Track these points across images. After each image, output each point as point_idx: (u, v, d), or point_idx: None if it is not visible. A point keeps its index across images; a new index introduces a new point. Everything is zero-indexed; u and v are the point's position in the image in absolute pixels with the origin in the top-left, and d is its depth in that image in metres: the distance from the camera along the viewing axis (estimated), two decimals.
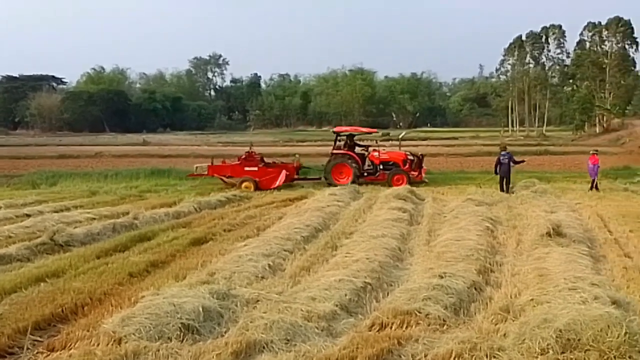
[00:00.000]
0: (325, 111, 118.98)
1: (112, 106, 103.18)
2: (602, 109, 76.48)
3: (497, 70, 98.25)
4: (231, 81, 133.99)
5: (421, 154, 28.64)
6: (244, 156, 27.44)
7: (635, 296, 9.48)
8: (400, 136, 33.53)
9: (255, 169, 26.18)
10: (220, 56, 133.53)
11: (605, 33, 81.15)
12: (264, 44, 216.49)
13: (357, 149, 27.99)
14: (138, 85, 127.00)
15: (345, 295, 9.36)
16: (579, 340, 6.94)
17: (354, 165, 26.72)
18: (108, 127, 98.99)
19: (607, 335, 6.91)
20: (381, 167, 27.00)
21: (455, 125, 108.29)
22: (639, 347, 6.88)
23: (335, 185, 24.74)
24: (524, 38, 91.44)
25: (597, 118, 78.25)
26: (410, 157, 27.24)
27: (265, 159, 27.66)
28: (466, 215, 16.62)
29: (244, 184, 25.30)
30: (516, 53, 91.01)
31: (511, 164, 23.79)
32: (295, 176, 27.60)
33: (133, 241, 13.98)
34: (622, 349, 6.79)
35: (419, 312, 8.51)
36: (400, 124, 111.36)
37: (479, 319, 8.69)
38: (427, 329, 8.10)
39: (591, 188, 24.32)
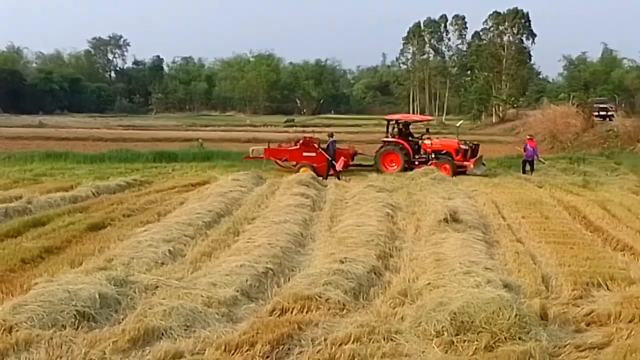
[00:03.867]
0: (229, 96, 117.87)
1: (6, 86, 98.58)
2: (499, 99, 79.13)
3: (397, 59, 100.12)
4: (133, 63, 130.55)
5: (475, 143, 28.12)
6: (301, 141, 26.70)
7: (525, 280, 9.89)
8: (457, 125, 32.64)
9: (314, 154, 25.41)
10: (121, 37, 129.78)
11: (505, 25, 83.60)
12: (167, 26, 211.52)
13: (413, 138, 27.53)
14: (34, 65, 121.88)
15: (247, 280, 9.35)
16: (472, 322, 7.19)
17: (403, 153, 26.35)
18: (1, 108, 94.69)
19: (498, 317, 7.18)
20: (433, 155, 26.41)
21: (359, 112, 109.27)
22: (528, 329, 7.19)
23: (384, 173, 24.82)
24: (422, 26, 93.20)
25: (493, 108, 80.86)
26: (464, 147, 26.49)
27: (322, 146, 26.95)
28: (367, 202, 16.88)
29: (302, 169, 24.58)
30: (415, 42, 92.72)
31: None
32: (350, 162, 27.03)
33: (26, 226, 13.43)
34: (512, 330, 7.08)
35: (320, 297, 8.60)
36: (305, 110, 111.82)
37: (378, 303, 8.87)
38: (327, 313, 8.21)
39: (530, 170, 26.96)
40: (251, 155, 27.42)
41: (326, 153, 24.75)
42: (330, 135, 26.21)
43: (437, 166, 25.32)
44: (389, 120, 28.74)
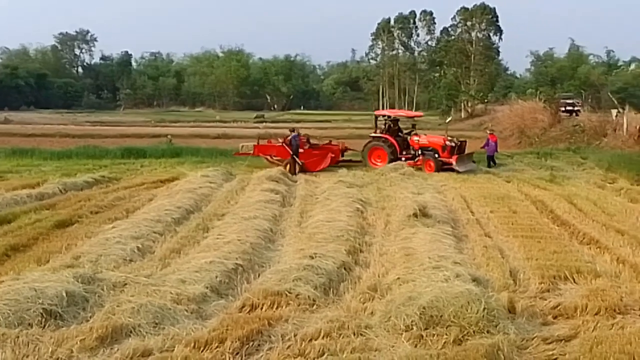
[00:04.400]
0: (199, 92, 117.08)
1: None
2: (467, 95, 79.70)
3: (366, 54, 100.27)
4: (100, 58, 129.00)
5: (462, 140, 27.57)
6: (290, 137, 26.28)
7: (494, 274, 9.99)
8: (447, 121, 31.92)
9: (301, 150, 25.21)
10: (88, 32, 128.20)
11: (473, 21, 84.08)
12: (135, 21, 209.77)
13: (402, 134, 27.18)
14: (0, 61, 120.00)
15: (216, 277, 9.32)
16: (441, 316, 7.26)
17: (390, 149, 26.08)
18: None
19: (467, 311, 7.26)
20: (419, 152, 26.06)
21: (329, 108, 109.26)
22: (496, 322, 7.29)
23: (371, 169, 24.70)
24: (392, 22, 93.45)
25: (462, 104, 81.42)
26: (450, 143, 25.80)
27: (312, 141, 26.93)
28: (337, 197, 16.91)
29: (288, 165, 24.45)
30: (385, 38, 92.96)
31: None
32: (340, 158, 26.86)
33: None
34: (480, 324, 7.16)
35: (290, 293, 8.61)
36: (275, 106, 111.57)
37: (348, 298, 8.89)
38: (297, 309, 8.21)
39: (493, 164, 27.46)
40: (241, 151, 27.20)
41: (289, 148, 24.68)
42: (292, 130, 26.06)
43: (423, 163, 25.36)
44: (376, 116, 28.66)
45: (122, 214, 14.71)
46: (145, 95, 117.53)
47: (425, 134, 27.57)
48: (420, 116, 31.34)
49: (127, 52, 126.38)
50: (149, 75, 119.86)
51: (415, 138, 26.57)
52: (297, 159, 24.55)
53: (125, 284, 8.83)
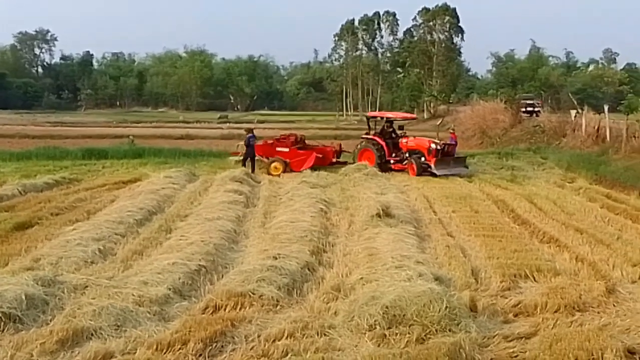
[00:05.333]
0: (161, 92, 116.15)
1: None
2: (430, 95, 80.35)
3: (329, 55, 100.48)
4: (61, 58, 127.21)
5: (448, 143, 26.53)
6: (281, 137, 26.25)
7: (456, 273, 10.10)
8: (437, 123, 29.76)
9: (287, 149, 24.90)
10: (48, 31, 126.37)
11: (434, 22, 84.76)
12: (96, 21, 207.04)
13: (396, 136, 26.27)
14: None
15: (179, 278, 9.28)
16: (403, 315, 7.31)
17: (377, 152, 25.31)
18: None
19: (429, 310, 7.33)
20: (407, 155, 25.28)
21: (293, 108, 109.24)
22: (458, 321, 7.36)
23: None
24: (356, 23, 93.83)
25: (425, 104, 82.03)
26: (434, 146, 24.66)
27: (307, 142, 26.49)
28: (301, 197, 16.93)
29: (272, 165, 24.22)
30: (349, 39, 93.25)
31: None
32: (334, 160, 25.98)
33: None
34: (442, 322, 7.24)
35: (253, 294, 8.60)
36: (238, 106, 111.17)
37: (312, 298, 8.92)
38: (260, 309, 8.22)
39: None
40: (237, 150, 26.65)
41: (246, 148, 24.49)
42: (248, 130, 25.82)
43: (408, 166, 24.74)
44: (368, 117, 28.10)
45: (83, 216, 14.53)
46: (107, 96, 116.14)
47: (414, 137, 26.68)
48: (414, 118, 29.90)
49: (88, 52, 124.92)
50: (111, 76, 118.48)
51: (404, 140, 25.91)
52: (254, 159, 24.38)
53: (86, 287, 8.74)
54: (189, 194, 18.30)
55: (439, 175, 23.48)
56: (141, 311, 7.90)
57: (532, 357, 6.77)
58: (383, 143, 25.68)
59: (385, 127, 26.73)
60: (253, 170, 23.76)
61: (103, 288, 8.62)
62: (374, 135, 26.30)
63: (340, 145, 27.66)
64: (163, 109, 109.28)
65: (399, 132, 26.94)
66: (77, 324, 7.23)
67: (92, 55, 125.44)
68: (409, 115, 29.67)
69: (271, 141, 26.32)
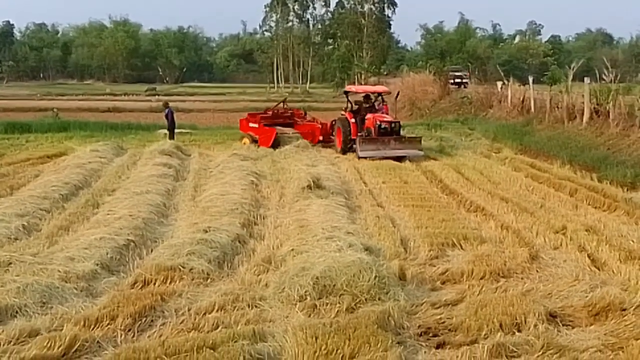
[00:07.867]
0: (87, 64, 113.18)
1: None
2: (360, 67, 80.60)
3: (260, 26, 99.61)
4: None
5: (395, 120, 22.90)
6: (273, 110, 25.98)
7: (385, 242, 10.24)
8: (395, 98, 26.14)
9: (256, 125, 24.18)
10: None
11: None
12: None
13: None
14: None
15: (107, 253, 9.14)
16: (334, 285, 7.39)
17: (344, 128, 22.47)
18: None
19: (359, 279, 7.43)
20: (366, 132, 22.13)
21: (223, 80, 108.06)
22: (387, 289, 7.49)
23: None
24: None
25: (355, 76, 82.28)
26: (382, 125, 21.73)
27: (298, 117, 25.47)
28: (232, 170, 16.82)
29: (243, 140, 24.17)
30: (279, 10, 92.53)
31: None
32: (323, 137, 24.10)
33: None
34: (372, 291, 7.35)
35: (183, 267, 8.55)
36: (167, 79, 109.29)
37: (242, 271, 8.92)
38: (190, 283, 8.18)
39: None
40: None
41: (166, 120, 24.40)
42: (165, 104, 25.43)
43: None
44: (346, 92, 25.10)
45: (6, 192, 14.09)
46: (29, 68, 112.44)
47: (375, 114, 22.83)
48: (388, 92, 27.55)
49: (8, 22, 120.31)
50: (33, 47, 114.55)
51: (368, 116, 22.51)
52: (173, 130, 24.34)
53: (10, 263, 8.50)
54: (117, 167, 17.96)
55: (362, 157, 20.50)
56: (67, 287, 7.75)
57: (459, 323, 6.93)
58: (352, 120, 22.73)
59: (363, 102, 23.86)
60: (173, 138, 23.66)
61: (27, 265, 8.41)
62: (348, 112, 23.51)
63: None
64: (89, 81, 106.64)
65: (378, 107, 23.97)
66: (1, 302, 7.06)
67: (12, 25, 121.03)
68: (380, 88, 27.14)
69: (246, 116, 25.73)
